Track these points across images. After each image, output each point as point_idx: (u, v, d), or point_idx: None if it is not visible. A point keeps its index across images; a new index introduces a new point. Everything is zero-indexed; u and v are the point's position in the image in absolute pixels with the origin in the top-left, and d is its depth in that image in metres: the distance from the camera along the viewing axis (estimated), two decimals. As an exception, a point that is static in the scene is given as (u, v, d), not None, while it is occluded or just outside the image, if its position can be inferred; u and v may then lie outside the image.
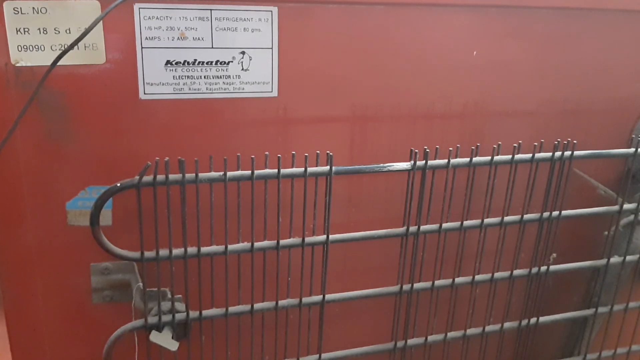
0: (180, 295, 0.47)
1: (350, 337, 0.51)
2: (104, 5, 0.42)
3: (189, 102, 0.45)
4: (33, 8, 0.41)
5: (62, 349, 0.48)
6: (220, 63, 0.45)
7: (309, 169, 0.42)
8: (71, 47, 0.40)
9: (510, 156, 0.45)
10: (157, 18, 0.43)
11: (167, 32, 0.44)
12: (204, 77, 0.45)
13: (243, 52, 0.46)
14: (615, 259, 0.52)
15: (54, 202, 0.45)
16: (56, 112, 0.43)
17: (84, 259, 0.47)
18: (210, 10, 0.44)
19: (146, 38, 0.43)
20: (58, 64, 0.40)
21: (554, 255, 0.52)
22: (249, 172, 0.40)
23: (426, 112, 0.51)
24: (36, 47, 0.42)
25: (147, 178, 0.39)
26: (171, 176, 0.39)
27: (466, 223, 0.47)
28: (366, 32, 0.47)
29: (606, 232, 0.53)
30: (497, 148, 0.45)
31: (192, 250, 0.42)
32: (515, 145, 0.45)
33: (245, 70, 0.46)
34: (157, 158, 0.38)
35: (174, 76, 0.45)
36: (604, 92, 0.55)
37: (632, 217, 0.52)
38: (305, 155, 0.41)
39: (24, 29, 0.41)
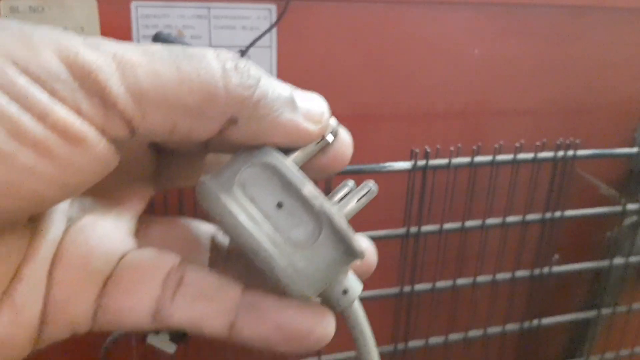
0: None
1: (350, 339, 0.51)
2: (100, 3, 0.41)
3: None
4: (30, 6, 0.40)
5: (60, 350, 0.48)
6: (219, 62, 0.45)
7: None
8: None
9: (512, 156, 0.45)
10: (155, 16, 0.43)
11: (164, 30, 0.43)
12: (202, 76, 0.45)
13: (241, 51, 0.45)
14: (618, 260, 0.51)
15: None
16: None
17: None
18: (209, 8, 0.44)
19: (143, 36, 0.43)
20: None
21: (557, 256, 0.52)
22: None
23: (427, 111, 0.50)
24: (32, 45, 0.41)
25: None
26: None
27: (467, 223, 0.46)
28: (366, 29, 0.47)
29: (609, 233, 0.52)
30: (498, 147, 0.44)
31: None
32: (517, 144, 0.45)
33: (244, 69, 0.46)
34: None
35: (171, 75, 0.44)
36: (607, 91, 0.54)
37: (635, 217, 0.52)
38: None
39: (20, 27, 0.41)
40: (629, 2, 0.52)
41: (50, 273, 0.16)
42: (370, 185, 0.19)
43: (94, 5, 0.41)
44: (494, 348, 0.53)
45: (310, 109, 0.17)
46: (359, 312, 0.19)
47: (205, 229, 0.21)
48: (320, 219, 0.16)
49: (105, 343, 0.45)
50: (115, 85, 0.14)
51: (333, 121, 0.18)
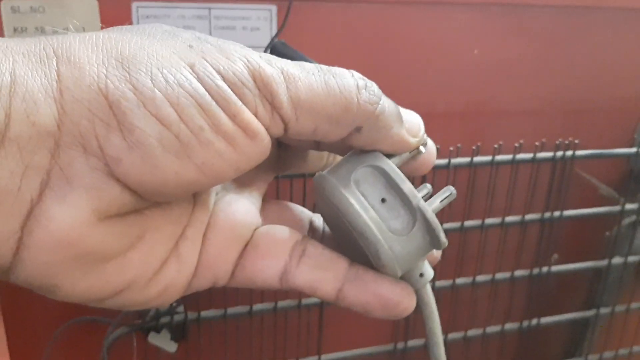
0: (178, 296, 0.46)
1: (350, 338, 0.51)
2: (101, 3, 0.41)
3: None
4: (30, 7, 0.41)
5: (59, 349, 0.48)
6: (219, 62, 0.45)
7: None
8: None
9: (511, 156, 0.45)
10: (155, 17, 0.43)
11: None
12: (203, 76, 0.45)
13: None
14: (617, 260, 0.52)
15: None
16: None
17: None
18: (209, 8, 0.44)
19: (144, 37, 0.43)
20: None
21: (556, 255, 0.52)
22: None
23: (427, 111, 0.50)
24: (33, 46, 0.41)
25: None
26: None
27: (467, 223, 0.47)
28: (366, 30, 0.47)
29: (608, 233, 0.52)
30: (498, 147, 0.44)
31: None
32: (516, 144, 0.45)
33: (244, 69, 0.46)
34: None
35: (172, 75, 0.44)
36: (607, 91, 0.54)
37: (634, 217, 0.52)
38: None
39: (21, 27, 0.41)
40: (629, 2, 0.52)
41: (205, 235, 0.20)
42: (451, 189, 0.22)
43: (95, 6, 0.41)
44: (493, 347, 0.53)
45: (412, 124, 0.21)
46: (430, 293, 0.23)
47: (305, 213, 0.25)
48: (415, 213, 0.20)
49: (105, 343, 0.45)
50: (282, 94, 0.17)
51: (424, 135, 0.22)
